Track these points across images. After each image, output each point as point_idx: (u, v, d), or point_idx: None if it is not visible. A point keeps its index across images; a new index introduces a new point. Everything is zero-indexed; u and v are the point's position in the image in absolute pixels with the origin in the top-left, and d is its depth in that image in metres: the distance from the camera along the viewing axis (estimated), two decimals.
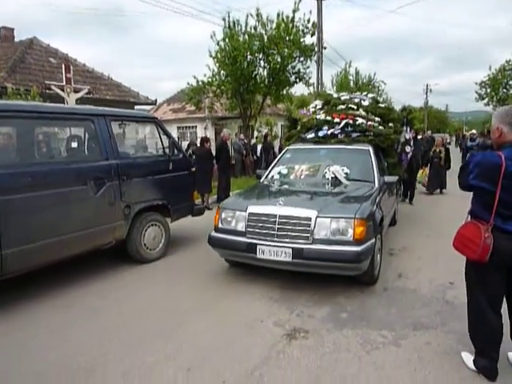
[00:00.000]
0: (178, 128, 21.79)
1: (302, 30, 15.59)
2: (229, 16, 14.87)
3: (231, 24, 14.86)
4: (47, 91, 10.33)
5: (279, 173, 5.33)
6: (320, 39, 16.31)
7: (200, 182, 7.93)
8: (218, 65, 15.39)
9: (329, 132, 5.80)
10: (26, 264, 3.78)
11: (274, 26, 14.87)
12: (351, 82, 25.60)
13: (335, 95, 6.73)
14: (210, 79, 15.65)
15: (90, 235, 4.25)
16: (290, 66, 15.96)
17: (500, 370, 2.60)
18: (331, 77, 27.20)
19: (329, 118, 5.94)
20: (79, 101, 10.28)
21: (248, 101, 16.29)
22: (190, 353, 2.96)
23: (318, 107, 6.46)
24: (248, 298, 3.94)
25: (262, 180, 5.45)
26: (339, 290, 4.06)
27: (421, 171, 10.21)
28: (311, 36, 16.00)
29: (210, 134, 19.09)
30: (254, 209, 4.10)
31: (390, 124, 6.17)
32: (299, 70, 16.21)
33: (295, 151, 5.83)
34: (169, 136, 5.42)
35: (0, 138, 4.11)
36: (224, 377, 2.66)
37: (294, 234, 3.83)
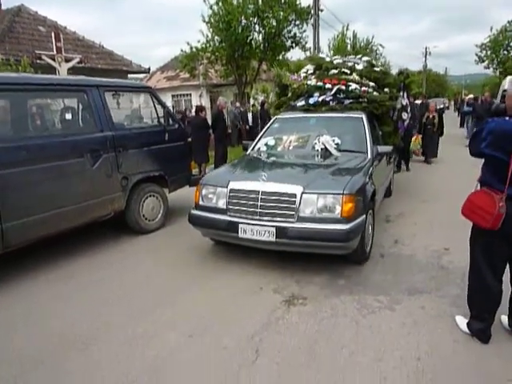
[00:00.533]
0: (173, 96, 21.45)
1: None
2: None
3: None
4: (38, 61, 10.07)
5: (266, 144, 5.05)
6: (316, 1, 15.79)
7: (196, 151, 7.89)
8: (211, 30, 14.98)
9: (320, 99, 5.43)
10: (26, 237, 3.81)
11: None
12: (348, 46, 25.06)
13: (328, 59, 6.25)
14: (203, 45, 15.27)
15: (88, 207, 4.27)
16: (285, 30, 15.55)
17: (493, 334, 2.69)
18: (328, 40, 26.61)
19: (320, 83, 5.55)
20: (71, 70, 10.05)
21: (243, 67, 15.97)
22: (191, 321, 3.04)
23: (309, 72, 6.04)
24: (248, 267, 4.01)
25: (248, 152, 5.16)
26: (336, 257, 4.13)
27: (413, 138, 9.72)
28: None
29: (206, 102, 18.81)
30: (235, 185, 3.83)
31: (386, 89, 5.80)
32: (295, 34, 15.82)
33: (284, 120, 5.50)
34: (163, 106, 5.35)
35: None
36: (224, 342, 2.75)
37: (277, 211, 3.58)
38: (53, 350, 2.74)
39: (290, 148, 4.84)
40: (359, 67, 5.86)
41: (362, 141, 4.74)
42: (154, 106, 5.23)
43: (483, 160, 2.64)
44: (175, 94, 21.51)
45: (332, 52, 24.78)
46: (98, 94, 4.46)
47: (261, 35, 15.47)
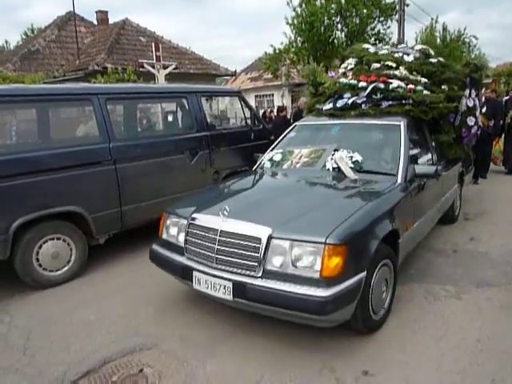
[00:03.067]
0: (256, 97, 22.35)
1: None
2: None
3: None
4: (140, 69, 11.39)
5: (271, 159, 4.07)
6: None
7: None
8: (294, 32, 15.46)
9: (350, 101, 4.22)
10: (137, 220, 4.60)
11: None
12: (438, 39, 23.85)
13: (372, 49, 4.92)
14: (286, 47, 15.81)
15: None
16: (369, 28, 15.50)
17: None
18: (415, 34, 25.56)
19: (353, 81, 4.39)
20: (168, 76, 11.23)
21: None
22: None
23: (349, 67, 4.83)
24: None
25: (255, 167, 4.22)
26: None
27: (493, 143, 8.09)
28: None
29: (287, 101, 19.36)
30: (196, 217, 2.98)
31: (444, 86, 4.45)
32: (379, 31, 15.70)
33: (303, 128, 4.49)
34: (250, 108, 5.95)
35: (113, 115, 4.94)
36: None
37: (237, 260, 2.64)
38: None
39: (298, 166, 3.81)
40: (408, 59, 4.57)
41: (393, 158, 3.58)
42: (242, 108, 5.84)
43: None
44: (258, 95, 22.38)
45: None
46: (195, 99, 5.17)
47: (343, 34, 15.59)
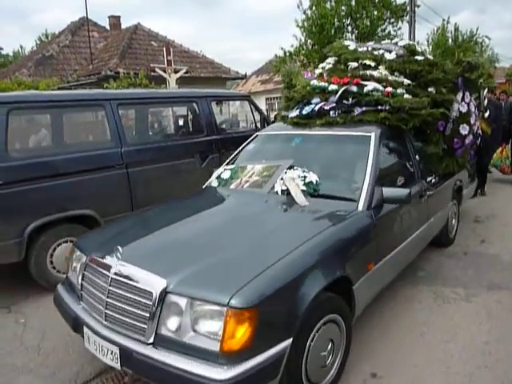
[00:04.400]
0: (267, 99, 22.43)
1: None
2: None
3: None
4: (152, 73, 11.54)
5: (218, 177, 3.51)
6: None
7: None
8: (304, 34, 15.47)
9: (316, 108, 3.58)
10: None
11: None
12: (450, 40, 23.63)
13: (352, 46, 4.19)
14: (296, 49, 15.83)
15: None
16: (379, 29, 15.43)
17: None
18: (427, 35, 25.38)
19: (323, 83, 3.73)
20: (179, 80, 11.35)
21: None
22: None
23: (328, 67, 4.09)
24: None
25: (205, 184, 3.64)
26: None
27: (499, 150, 7.30)
28: None
29: None
30: (93, 257, 2.42)
31: (430, 89, 3.81)
32: (389, 32, 15.59)
33: (263, 139, 3.88)
34: (260, 112, 6.00)
35: (125, 120, 5.04)
36: None
37: (127, 318, 2.08)
38: None
39: (245, 186, 3.22)
40: (390, 57, 3.87)
41: (357, 179, 2.95)
42: (252, 112, 5.90)
43: None
44: (269, 97, 22.46)
45: (430, 47, 23.62)
46: (205, 103, 5.24)
47: (354, 36, 15.56)
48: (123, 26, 17.62)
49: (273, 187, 3.04)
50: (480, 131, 4.43)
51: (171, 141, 4.88)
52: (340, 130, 3.38)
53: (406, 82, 3.71)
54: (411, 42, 4.28)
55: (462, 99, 3.89)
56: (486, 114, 5.33)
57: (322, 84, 3.72)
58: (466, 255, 4.28)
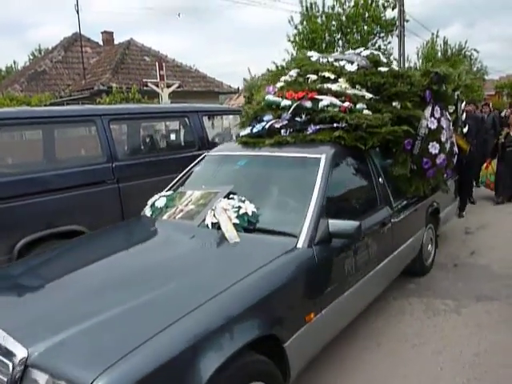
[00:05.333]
0: None
1: (383, 5, 15.23)
2: None
3: (308, 6, 15.03)
4: (144, 88, 11.62)
5: (152, 206, 3.12)
6: (402, 12, 15.69)
7: None
8: (296, 48, 15.71)
9: (267, 125, 3.26)
10: None
11: (352, 3, 14.73)
12: (439, 53, 24.08)
13: (315, 57, 3.91)
14: (288, 63, 16.06)
15: None
16: (369, 44, 15.71)
17: None
18: (416, 49, 25.83)
19: (276, 98, 3.42)
20: (171, 94, 11.44)
21: None
22: None
23: (291, 79, 3.77)
24: None
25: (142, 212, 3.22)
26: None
27: (484, 166, 7.07)
28: (392, 10, 15.53)
29: None
30: None
31: (395, 103, 3.43)
32: (379, 46, 15.88)
33: (210, 161, 3.51)
34: None
35: (117, 135, 5.06)
36: None
37: None
38: None
39: (178, 216, 2.84)
40: (351, 68, 3.59)
41: (300, 210, 2.52)
42: None
43: None
44: None
45: (420, 61, 24.05)
46: (197, 118, 5.28)
47: (344, 50, 15.83)
48: (116, 42, 17.77)
49: (204, 219, 2.63)
50: (456, 148, 4.11)
51: (163, 155, 4.90)
52: (288, 151, 3.00)
53: (368, 95, 3.37)
54: (376, 52, 3.95)
55: (432, 114, 3.49)
56: (465, 130, 5.04)
57: (275, 99, 3.40)
58: (456, 267, 4.31)
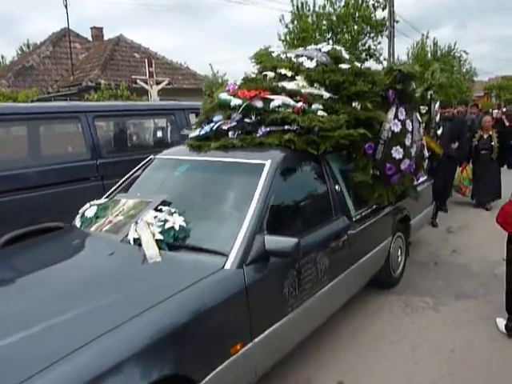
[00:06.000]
0: None
1: (373, 5, 15.34)
2: None
3: (299, 5, 15.09)
4: (134, 85, 11.55)
5: (82, 215, 2.84)
6: (392, 13, 15.82)
7: None
8: (287, 47, 15.75)
9: (214, 127, 3.02)
10: None
11: (343, 3, 14.83)
12: (429, 54, 24.32)
13: (276, 53, 3.66)
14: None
15: None
16: (359, 44, 15.83)
17: None
18: (406, 49, 26.04)
19: (228, 97, 3.11)
20: (160, 91, 11.39)
21: None
22: None
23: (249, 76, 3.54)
24: None
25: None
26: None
27: (459, 169, 6.72)
28: (382, 10, 15.65)
29: None
30: None
31: (354, 104, 3.17)
32: (369, 46, 16.01)
33: (156, 164, 3.23)
34: None
35: (101, 132, 5.05)
36: None
37: None
38: None
39: (105, 229, 2.57)
40: (310, 65, 3.30)
41: (233, 223, 2.32)
42: None
43: None
44: None
45: (411, 61, 24.26)
46: (183, 116, 5.28)
47: None
48: (106, 38, 17.65)
49: (126, 235, 2.35)
50: (426, 152, 3.92)
51: (148, 153, 4.89)
52: (231, 156, 2.75)
53: (326, 95, 3.10)
54: (338, 48, 3.64)
55: (395, 116, 3.21)
56: (439, 132, 4.79)
57: (226, 98, 3.09)
58: (437, 265, 4.38)
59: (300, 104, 2.89)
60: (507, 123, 8.16)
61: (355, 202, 3.11)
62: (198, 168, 2.95)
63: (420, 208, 4.36)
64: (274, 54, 3.63)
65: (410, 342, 2.97)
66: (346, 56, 3.55)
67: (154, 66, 11.37)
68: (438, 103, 4.54)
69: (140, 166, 3.26)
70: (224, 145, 2.83)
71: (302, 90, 3.05)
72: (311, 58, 3.35)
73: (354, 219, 3.00)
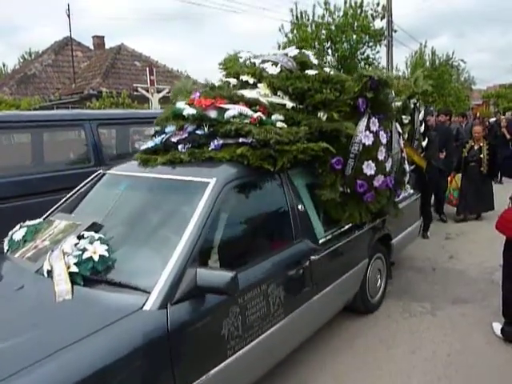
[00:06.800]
0: None
1: (372, 15, 15.52)
2: (296, 8, 15.27)
3: (298, 15, 15.28)
4: (135, 93, 11.69)
5: (10, 240, 2.48)
6: (390, 23, 16.01)
7: None
8: None
9: (164, 139, 2.73)
10: None
11: (342, 13, 15.01)
12: (427, 63, 24.55)
13: (243, 58, 3.41)
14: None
15: None
16: (358, 52, 15.99)
17: None
18: (405, 58, 26.28)
19: (182, 106, 2.81)
20: (161, 99, 11.52)
21: None
22: None
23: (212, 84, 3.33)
24: None
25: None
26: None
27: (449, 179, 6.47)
28: (381, 20, 15.84)
29: None
30: None
31: (320, 113, 2.86)
32: (368, 55, 16.17)
33: (104, 181, 2.86)
34: None
35: (105, 140, 5.12)
36: None
37: None
38: None
39: (27, 256, 2.27)
40: (273, 71, 3.03)
41: (162, 254, 2.01)
42: None
43: None
44: None
45: (409, 70, 24.50)
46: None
47: (334, 58, 16.07)
48: (107, 46, 17.85)
49: (42, 266, 2.05)
50: (407, 166, 3.62)
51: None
52: (176, 173, 2.44)
53: (289, 104, 2.85)
54: (309, 52, 3.39)
55: (367, 127, 2.90)
56: (424, 143, 4.48)
57: (180, 107, 2.80)
58: (435, 271, 4.44)
59: (257, 114, 2.60)
60: (508, 135, 7.98)
61: (326, 223, 2.83)
62: (138, 186, 2.66)
63: (404, 225, 4.00)
64: (241, 60, 3.36)
65: (407, 345, 3.02)
66: (315, 61, 3.26)
67: (154, 74, 11.51)
68: (421, 112, 4.25)
69: (87, 181, 2.88)
70: (171, 159, 2.52)
71: (263, 99, 2.80)
72: (276, 64, 3.08)
73: (320, 242, 2.70)
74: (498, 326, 3.14)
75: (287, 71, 3.02)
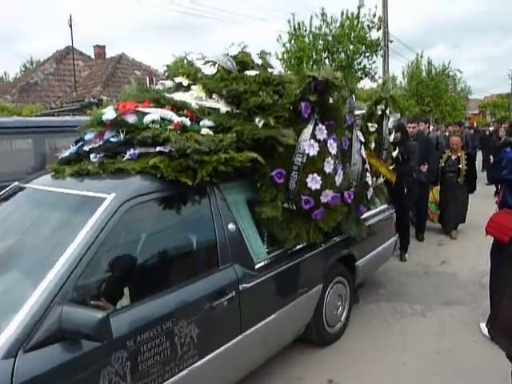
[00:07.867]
0: None
1: (368, 26, 15.79)
2: (294, 18, 15.54)
3: (296, 26, 15.54)
4: None
5: None
6: (386, 34, 16.30)
7: None
8: (284, 66, 16.16)
9: (76, 147, 2.52)
10: None
11: (338, 24, 15.28)
12: (423, 73, 24.87)
13: (190, 58, 3.10)
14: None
15: None
16: (355, 63, 16.24)
17: None
18: (402, 68, 26.65)
19: (104, 110, 2.55)
20: None
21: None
22: None
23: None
24: None
25: None
26: (379, 271, 4.43)
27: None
28: (377, 30, 16.11)
29: None
30: None
31: (257, 119, 2.48)
32: (365, 65, 16.41)
33: (24, 192, 2.47)
34: None
35: None
36: None
37: None
38: None
39: None
40: (208, 71, 2.78)
41: (24, 287, 1.73)
42: None
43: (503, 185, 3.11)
44: None
45: (406, 80, 24.81)
46: None
47: (331, 68, 16.31)
48: (108, 56, 18.08)
49: None
50: (370, 179, 3.23)
51: None
52: (74, 187, 2.14)
53: (224, 109, 2.57)
54: (259, 52, 3.15)
55: (313, 136, 2.57)
56: (395, 153, 4.06)
57: (102, 111, 2.53)
58: (427, 274, 4.55)
59: (179, 119, 2.31)
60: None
61: (270, 244, 2.52)
62: (35, 201, 2.35)
63: (373, 244, 3.59)
64: (185, 61, 3.07)
65: (398, 344, 3.12)
66: (258, 61, 2.96)
67: (154, 82, 11.68)
68: (390, 120, 3.82)
69: (2, 193, 2.59)
70: (78, 171, 2.25)
71: (195, 102, 2.55)
72: (214, 64, 2.81)
73: (257, 267, 2.35)
74: (484, 326, 3.25)
75: (224, 72, 2.73)
